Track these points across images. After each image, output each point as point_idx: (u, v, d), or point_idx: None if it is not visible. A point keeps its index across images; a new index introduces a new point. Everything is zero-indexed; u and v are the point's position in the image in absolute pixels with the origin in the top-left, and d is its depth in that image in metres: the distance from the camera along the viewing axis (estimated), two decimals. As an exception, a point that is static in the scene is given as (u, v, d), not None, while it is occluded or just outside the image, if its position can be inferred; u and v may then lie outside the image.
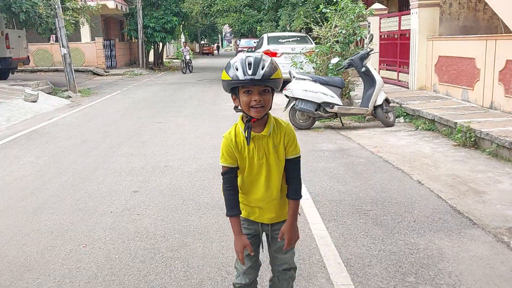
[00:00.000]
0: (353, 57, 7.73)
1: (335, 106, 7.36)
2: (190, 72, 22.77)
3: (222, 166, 2.10)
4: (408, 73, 10.52)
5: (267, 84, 1.93)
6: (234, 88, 2.00)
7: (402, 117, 8.12)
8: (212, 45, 61.33)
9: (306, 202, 4.18)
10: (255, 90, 1.93)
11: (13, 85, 12.66)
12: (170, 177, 5.11)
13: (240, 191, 2.16)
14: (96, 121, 9.10)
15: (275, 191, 2.12)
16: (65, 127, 8.49)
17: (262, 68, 1.91)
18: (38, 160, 6.04)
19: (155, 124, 8.46)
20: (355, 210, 4.00)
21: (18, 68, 18.38)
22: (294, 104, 7.46)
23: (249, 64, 1.92)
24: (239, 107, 2.03)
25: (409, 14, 10.37)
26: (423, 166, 5.31)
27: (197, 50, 55.72)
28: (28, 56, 16.90)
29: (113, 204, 4.32)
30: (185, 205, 4.24)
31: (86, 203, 4.36)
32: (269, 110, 2.04)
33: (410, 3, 10.10)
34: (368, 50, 7.78)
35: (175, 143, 6.79)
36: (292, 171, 2.13)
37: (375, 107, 7.57)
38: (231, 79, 1.95)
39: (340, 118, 7.77)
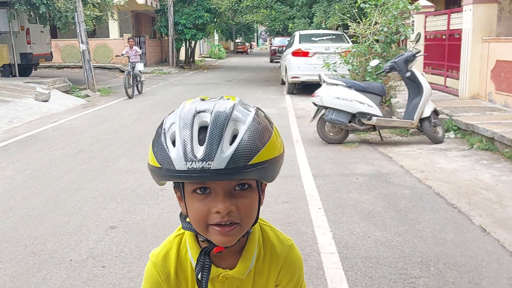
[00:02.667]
0: (396, 60, 6.52)
1: (374, 118, 6.17)
2: (139, 93, 12.68)
3: None
4: (458, 79, 9.18)
5: (244, 177, 0.89)
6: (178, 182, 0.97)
7: (452, 132, 6.84)
8: (247, 44, 60.49)
9: (329, 258, 3.07)
10: (219, 188, 0.90)
11: (28, 82, 12.00)
12: (162, 207, 4.09)
13: None
14: (104, 125, 8.20)
15: None
16: (67, 132, 7.63)
17: (232, 141, 0.87)
18: (16, 175, 5.14)
19: (166, 132, 7.48)
20: (398, 276, 2.85)
21: (45, 64, 17.98)
22: (323, 114, 6.32)
23: (200, 129, 0.89)
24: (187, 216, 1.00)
25: (461, 11, 9.03)
26: (485, 202, 4.09)
27: (232, 49, 54.99)
28: (51, 52, 16.32)
29: (77, 248, 3.32)
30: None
31: (44, 244, 3.38)
32: (255, 223, 1.00)
33: (463, -1, 8.78)
34: (414, 51, 6.55)
35: (182, 157, 5.77)
36: None
37: (422, 120, 6.34)
38: (159, 166, 0.90)
39: (379, 131, 6.58)
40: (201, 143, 0.86)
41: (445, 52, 10.03)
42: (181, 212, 1.02)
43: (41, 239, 3.47)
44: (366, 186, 4.60)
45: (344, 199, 4.21)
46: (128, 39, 13.41)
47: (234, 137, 0.87)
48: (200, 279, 0.98)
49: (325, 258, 3.08)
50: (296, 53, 11.88)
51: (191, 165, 0.84)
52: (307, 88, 11.95)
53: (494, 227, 3.56)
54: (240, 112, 0.91)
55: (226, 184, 0.89)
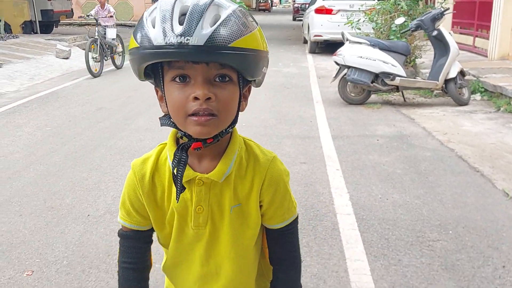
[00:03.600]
0: (422, 17, 6.24)
1: (397, 78, 5.98)
2: (118, 68, 9.90)
3: (123, 225, 1.09)
4: (487, 39, 8.80)
5: (222, 60, 0.85)
6: (153, 69, 0.93)
7: (478, 94, 6.60)
8: (269, 1, 59.14)
9: (345, 220, 3.03)
10: (198, 75, 0.87)
11: (49, 39, 12.01)
12: (179, 165, 4.08)
13: (166, 276, 1.16)
14: (124, 83, 8.19)
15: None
16: (86, 90, 7.65)
17: (214, 23, 0.84)
18: (37, 131, 5.20)
19: (185, 90, 7.43)
20: (415, 238, 2.81)
21: (66, 21, 17.94)
22: (345, 74, 6.15)
23: (181, 13, 0.85)
24: (167, 114, 0.97)
25: (495, -35, 8.56)
26: (509, 166, 3.97)
27: (254, 6, 53.88)
28: (72, 9, 16.24)
29: (95, 203, 3.35)
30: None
31: (62, 199, 3.42)
32: (233, 124, 0.97)
33: (498, -48, 8.28)
34: (443, 9, 6.26)
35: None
36: (281, 245, 1.10)
37: (447, 81, 6.12)
38: (138, 46, 0.87)
39: (402, 92, 6.39)
40: (181, 23, 0.83)
41: (475, 10, 9.59)
42: (162, 116, 1.00)
43: (59, 194, 3.52)
44: (386, 147, 4.50)
45: (363, 161, 4.14)
46: None
47: (214, 21, 0.84)
48: (176, 174, 0.94)
49: (341, 219, 3.05)
50: (319, 10, 11.53)
51: (169, 40, 0.81)
52: (329, 47, 11.65)
53: (517, 192, 3.46)
54: (221, 1, 0.88)
55: (205, 71, 0.87)
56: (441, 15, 6.13)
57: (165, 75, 0.91)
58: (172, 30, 0.82)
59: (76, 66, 10.11)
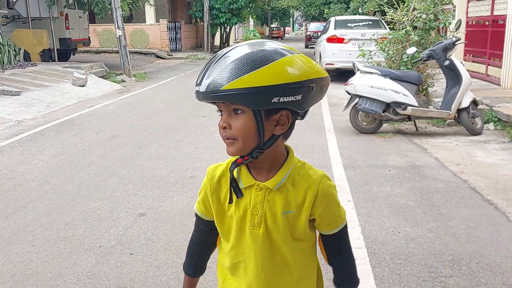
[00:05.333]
0: (434, 47, 6.28)
1: (409, 108, 5.99)
2: None
3: (195, 210, 1.38)
4: (500, 67, 8.79)
5: (217, 100, 1.12)
6: None
7: (492, 123, 6.57)
8: (282, 29, 59.94)
9: (356, 253, 3.01)
10: (224, 110, 1.16)
11: (66, 67, 12.28)
12: (191, 195, 4.11)
13: (226, 270, 1.34)
14: (138, 111, 8.32)
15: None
16: (102, 117, 7.78)
17: (217, 72, 1.10)
18: (53, 159, 5.28)
19: (198, 118, 7.52)
20: (428, 274, 2.77)
21: (83, 49, 18.36)
22: (356, 103, 6.19)
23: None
24: None
25: (506, -4, 8.62)
26: (524, 199, 3.92)
27: (267, 34, 54.60)
28: (89, 37, 16.63)
29: (107, 234, 3.38)
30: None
31: (75, 230, 3.46)
32: (265, 146, 1.17)
33: (509, -17, 8.35)
34: (454, 39, 6.29)
35: (212, 145, 5.78)
36: (336, 248, 1.31)
37: (459, 110, 6.11)
38: None
39: (414, 121, 6.39)
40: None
41: (487, 39, 9.62)
42: None
43: (72, 224, 3.55)
44: (398, 178, 4.48)
45: (375, 192, 4.12)
46: None
47: (218, 71, 1.09)
48: (230, 181, 1.22)
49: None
50: (331, 39, 11.66)
51: (195, 88, 1.13)
52: (341, 75, 11.73)
53: (532, 226, 3.41)
54: (239, 50, 1.11)
55: (225, 107, 1.13)
56: (452, 45, 6.17)
57: None
58: (197, 80, 1.13)
59: (92, 93, 10.30)
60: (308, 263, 1.31)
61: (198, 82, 1.12)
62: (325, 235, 1.28)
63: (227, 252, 1.29)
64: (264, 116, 1.12)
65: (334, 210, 1.25)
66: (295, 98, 1.10)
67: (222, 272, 1.35)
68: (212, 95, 1.08)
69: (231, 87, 1.06)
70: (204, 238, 1.39)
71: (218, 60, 1.10)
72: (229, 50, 1.12)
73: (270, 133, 1.15)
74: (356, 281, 1.34)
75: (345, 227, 1.28)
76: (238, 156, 1.20)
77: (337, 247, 1.30)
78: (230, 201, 1.23)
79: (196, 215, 1.37)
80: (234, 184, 1.21)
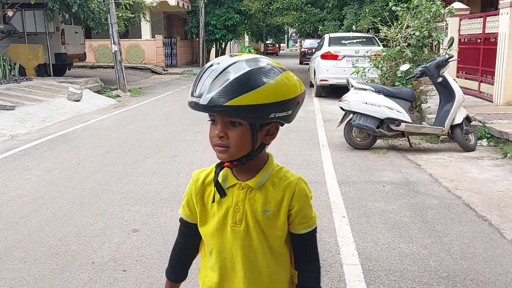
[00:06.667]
0: (427, 65, 6.35)
1: (402, 124, 6.03)
2: None
3: (180, 214, 1.45)
4: (492, 84, 8.89)
5: (220, 114, 1.20)
6: None
7: (485, 140, 6.62)
8: (276, 45, 60.37)
9: (351, 270, 3.00)
10: (219, 120, 1.24)
11: (61, 82, 12.28)
12: (185, 211, 4.09)
13: (207, 271, 1.40)
14: (133, 126, 8.32)
15: (265, 284, 1.35)
16: (96, 132, 7.76)
17: (219, 86, 1.16)
18: (46, 174, 5.26)
19: (193, 134, 7.52)
20: (423, 291, 2.76)
21: (79, 64, 18.39)
22: (351, 119, 6.22)
23: (206, 77, 1.21)
24: None
25: (497, 15, 8.74)
26: (518, 215, 3.93)
27: (262, 50, 55.00)
28: (85, 52, 16.68)
29: (100, 250, 3.35)
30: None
31: (68, 246, 3.42)
32: (254, 152, 1.28)
33: (500, 2, 8.48)
34: (447, 56, 6.37)
35: (207, 160, 5.78)
36: (304, 250, 1.38)
37: (453, 127, 6.16)
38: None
39: (408, 137, 6.42)
40: (196, 84, 1.20)
41: (479, 57, 9.74)
42: None
43: (65, 240, 3.52)
44: (392, 194, 4.49)
45: (370, 208, 4.12)
46: None
47: (220, 85, 1.15)
48: (215, 182, 1.30)
49: (347, 269, 3.01)
50: (325, 56, 11.76)
51: (191, 99, 1.19)
52: (335, 91, 11.83)
53: (526, 242, 3.42)
54: (238, 66, 1.18)
55: (222, 118, 1.21)
56: (445, 62, 6.25)
57: (209, 117, 1.26)
58: (194, 91, 1.19)
59: (87, 108, 10.30)
60: (282, 263, 1.38)
61: (196, 94, 1.18)
62: (295, 235, 1.35)
63: (209, 252, 1.36)
64: (258, 128, 1.23)
65: (308, 211, 1.34)
66: (287, 113, 1.22)
67: (203, 274, 1.41)
68: (215, 110, 1.16)
69: (233, 104, 1.14)
70: (187, 242, 1.45)
71: (218, 74, 1.17)
72: (229, 65, 1.18)
73: (260, 142, 1.27)
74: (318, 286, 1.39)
75: (314, 230, 1.37)
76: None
77: (306, 249, 1.37)
78: (213, 200, 1.32)
79: (180, 219, 1.44)
80: (218, 184, 1.30)
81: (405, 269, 3.02)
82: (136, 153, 6.24)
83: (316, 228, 1.37)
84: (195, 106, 1.18)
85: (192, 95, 1.19)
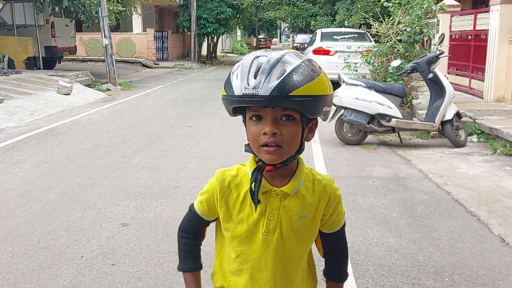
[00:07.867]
0: (418, 60, 6.37)
1: (393, 120, 6.05)
2: None
3: (195, 208, 1.36)
4: (483, 81, 8.95)
5: (284, 105, 1.12)
6: (240, 109, 1.21)
7: (475, 136, 6.66)
8: (269, 40, 60.30)
9: (341, 265, 3.00)
10: (268, 115, 1.14)
11: (51, 75, 12.17)
12: (174, 205, 4.08)
13: (230, 276, 1.34)
14: (123, 120, 8.26)
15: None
16: (86, 126, 7.71)
17: (280, 77, 1.09)
18: (35, 168, 5.21)
19: (184, 128, 7.49)
20: (411, 286, 2.78)
21: (69, 57, 18.23)
22: (342, 115, 6.23)
23: (256, 69, 1.13)
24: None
25: (488, 11, 8.80)
26: (506, 211, 3.97)
27: (254, 45, 54.88)
28: (76, 46, 16.53)
29: (89, 244, 3.33)
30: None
31: (57, 240, 3.40)
32: (299, 153, 1.22)
33: (491, -2, 8.53)
34: (438, 52, 6.39)
35: (198, 155, 5.76)
36: (337, 245, 1.39)
37: (443, 122, 6.19)
38: (225, 94, 1.18)
39: (398, 133, 6.45)
40: (255, 77, 1.10)
41: (470, 53, 9.80)
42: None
43: (54, 234, 3.50)
44: (382, 189, 4.51)
45: (359, 203, 4.14)
46: None
47: (281, 75, 1.09)
48: (253, 189, 1.20)
49: (336, 264, 3.02)
50: (317, 51, 11.76)
51: (245, 91, 1.10)
52: (327, 86, 11.82)
53: (514, 238, 3.45)
54: (290, 57, 1.13)
55: (273, 113, 1.12)
56: (436, 58, 6.27)
57: (246, 114, 1.18)
58: (248, 83, 1.10)
59: (77, 102, 10.21)
60: (303, 264, 1.37)
61: (252, 86, 1.09)
62: (325, 233, 1.35)
63: (233, 258, 1.29)
64: (305, 124, 1.18)
65: (339, 210, 1.33)
66: (330, 108, 1.19)
67: (222, 278, 1.35)
68: (279, 100, 1.08)
69: (298, 93, 1.08)
70: (196, 231, 1.40)
71: (272, 66, 1.10)
72: (280, 57, 1.12)
73: (303, 140, 1.21)
74: (346, 274, 1.41)
75: (345, 224, 1.38)
76: (257, 166, 1.22)
77: (335, 244, 1.38)
78: (256, 210, 1.24)
79: (194, 212, 1.36)
80: (254, 192, 1.21)
81: (394, 264, 3.03)
82: (125, 147, 6.20)
83: (345, 222, 1.37)
84: (251, 98, 1.09)
85: (243, 87, 1.10)
